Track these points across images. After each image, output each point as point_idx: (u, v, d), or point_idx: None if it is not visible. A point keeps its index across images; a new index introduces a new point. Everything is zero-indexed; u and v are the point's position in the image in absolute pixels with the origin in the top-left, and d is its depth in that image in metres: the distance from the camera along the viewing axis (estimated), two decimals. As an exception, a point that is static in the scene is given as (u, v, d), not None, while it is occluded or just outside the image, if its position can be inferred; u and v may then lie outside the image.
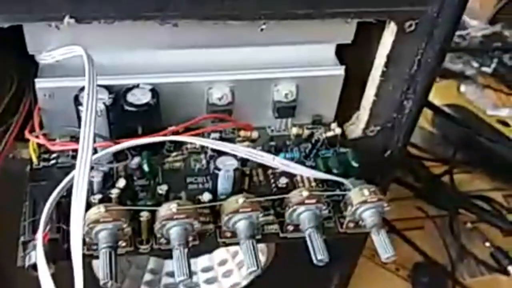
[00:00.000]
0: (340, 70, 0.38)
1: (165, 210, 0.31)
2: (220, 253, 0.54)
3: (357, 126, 0.41)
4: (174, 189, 0.34)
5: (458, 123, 0.72)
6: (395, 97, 0.38)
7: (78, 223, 0.27)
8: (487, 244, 0.69)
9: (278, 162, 0.33)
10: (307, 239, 0.32)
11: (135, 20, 0.30)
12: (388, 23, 0.35)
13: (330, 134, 0.39)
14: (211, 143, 0.33)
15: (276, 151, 0.38)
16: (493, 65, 0.95)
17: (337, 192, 0.35)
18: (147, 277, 0.52)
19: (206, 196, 0.33)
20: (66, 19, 0.29)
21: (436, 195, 0.74)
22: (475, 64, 0.97)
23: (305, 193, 0.32)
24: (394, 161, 0.43)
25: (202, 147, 0.37)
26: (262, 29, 0.33)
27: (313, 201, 0.33)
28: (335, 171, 0.36)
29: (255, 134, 0.39)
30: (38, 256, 0.27)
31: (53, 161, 0.34)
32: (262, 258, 0.49)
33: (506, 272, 0.67)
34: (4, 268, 0.41)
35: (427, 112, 0.83)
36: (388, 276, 0.66)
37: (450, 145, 0.79)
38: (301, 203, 0.32)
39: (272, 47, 0.38)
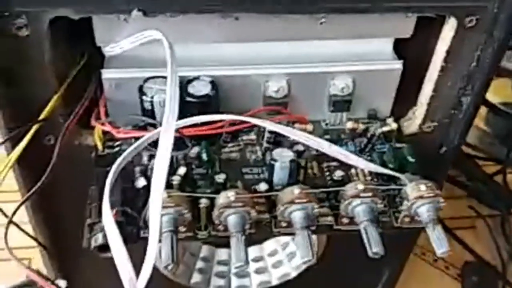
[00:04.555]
0: (398, 65, 0.38)
1: (223, 198, 0.32)
2: (271, 244, 0.55)
3: (413, 122, 0.41)
4: (230, 179, 0.35)
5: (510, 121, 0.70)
6: (453, 93, 0.38)
7: (156, 205, 0.28)
8: (540, 246, 0.68)
9: (334, 150, 0.33)
10: (362, 232, 0.32)
11: (199, 13, 0.31)
12: (448, 18, 0.35)
13: (386, 129, 0.39)
14: (270, 125, 0.34)
15: (332, 145, 0.39)
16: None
17: (393, 186, 0.35)
18: (199, 264, 0.53)
19: (263, 186, 0.33)
20: (134, 12, 0.30)
21: (489, 195, 0.73)
22: (532, 63, 0.94)
23: (361, 186, 0.33)
24: (449, 158, 0.43)
25: (258, 139, 0.38)
26: (321, 23, 0.33)
27: (369, 194, 0.33)
28: (390, 165, 0.36)
29: (309, 127, 0.39)
30: (110, 235, 0.28)
31: (117, 149, 0.36)
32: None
33: (559, 275, 0.65)
34: (71, 251, 0.43)
35: (481, 111, 0.82)
36: (438, 274, 0.66)
37: (504, 144, 0.77)
38: (357, 196, 0.33)
39: (332, 41, 0.38)
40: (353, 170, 0.37)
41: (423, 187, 0.33)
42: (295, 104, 0.39)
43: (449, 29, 0.35)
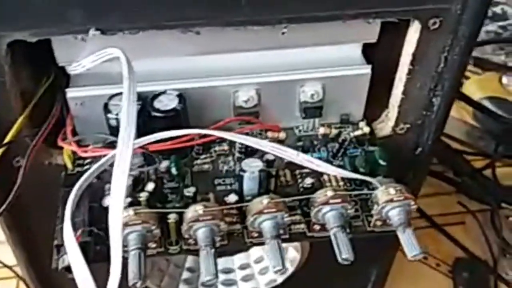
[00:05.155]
0: (367, 69, 0.38)
1: (191, 212, 0.32)
2: (256, 250, 0.55)
3: (386, 124, 0.41)
4: (202, 191, 0.35)
5: (494, 117, 0.70)
6: (423, 94, 0.38)
7: (116, 225, 0.28)
8: (531, 239, 0.68)
9: (302, 158, 0.33)
10: (332, 238, 0.32)
11: (158, 30, 0.31)
12: (412, 22, 0.34)
13: (358, 133, 0.39)
14: (232, 136, 0.34)
15: (304, 151, 0.38)
16: (537, 55, 0.93)
17: (363, 191, 0.35)
18: (185, 275, 0.53)
19: (232, 198, 0.33)
20: (92, 31, 0.30)
21: (478, 190, 0.73)
22: (518, 55, 0.94)
23: (330, 193, 0.33)
24: (426, 158, 0.43)
25: (230, 149, 0.38)
26: (283, 33, 0.33)
27: (338, 200, 0.33)
28: (362, 170, 0.36)
29: (282, 135, 0.39)
30: (72, 257, 0.28)
31: (87, 167, 0.36)
32: (297, 255, 0.50)
33: (551, 267, 0.65)
34: (46, 272, 0.43)
35: (468, 106, 0.81)
36: (429, 272, 0.66)
37: (492, 138, 0.77)
38: (326, 202, 0.33)
39: (298, 49, 0.38)
40: (325, 176, 0.37)
41: (392, 191, 0.33)
42: (267, 113, 0.39)
43: (413, 32, 0.35)
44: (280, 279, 0.52)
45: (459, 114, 0.83)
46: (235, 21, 0.32)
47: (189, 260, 0.53)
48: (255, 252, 0.55)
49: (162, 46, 0.34)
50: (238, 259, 0.55)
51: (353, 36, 0.37)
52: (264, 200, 0.32)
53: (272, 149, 0.33)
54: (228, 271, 0.54)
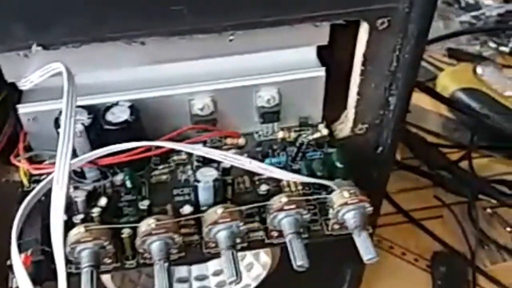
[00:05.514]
0: (321, 72, 0.38)
1: (144, 226, 0.31)
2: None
3: (345, 125, 0.41)
4: (160, 202, 0.35)
5: (464, 111, 0.70)
6: (378, 94, 0.38)
7: (58, 245, 0.28)
8: (508, 229, 0.68)
9: (254, 165, 0.33)
10: (288, 245, 0.32)
11: (102, 42, 0.31)
12: (361, 22, 0.34)
13: (316, 135, 0.39)
14: (180, 146, 0.33)
15: (263, 156, 0.38)
16: (510, 44, 0.93)
17: (321, 195, 0.35)
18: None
19: (187, 209, 0.33)
20: (34, 47, 0.30)
21: (455, 182, 0.73)
22: (493, 44, 0.94)
23: (285, 199, 0.33)
24: (387, 156, 0.42)
25: (189, 158, 0.38)
26: (231, 40, 0.33)
27: (293, 206, 0.33)
28: (319, 173, 0.36)
29: (241, 141, 0.39)
30: (19, 278, 0.28)
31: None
32: (268, 260, 0.50)
33: (529, 257, 0.65)
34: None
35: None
36: (407, 267, 0.66)
37: (467, 129, 0.77)
38: (281, 209, 0.33)
39: (252, 54, 0.38)
40: (284, 181, 0.37)
41: (346, 194, 0.33)
42: (225, 119, 0.39)
43: (363, 33, 0.35)
44: (253, 283, 0.52)
45: (434, 107, 0.83)
46: (179, 30, 0.31)
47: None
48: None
49: (109, 57, 0.34)
50: (211, 265, 0.54)
51: (303, 40, 0.36)
52: (218, 210, 0.32)
53: (222, 157, 0.33)
54: (202, 278, 0.54)
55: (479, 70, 0.88)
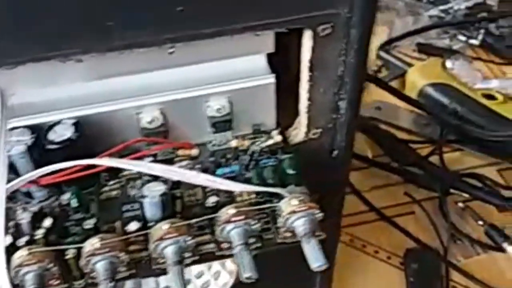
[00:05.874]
0: (271, 79, 0.38)
1: (89, 246, 0.31)
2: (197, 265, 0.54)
3: (300, 131, 0.41)
4: (110, 219, 0.34)
5: (425, 110, 0.71)
6: (328, 99, 0.38)
7: (1, 269, 0.28)
8: (480, 222, 0.68)
9: (203, 179, 0.33)
10: (236, 256, 0.32)
11: (36, 62, 0.30)
12: (304, 29, 0.34)
13: (269, 142, 0.39)
14: (118, 163, 0.33)
15: (216, 166, 0.38)
16: (480, 37, 0.93)
17: (271, 203, 0.34)
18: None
19: (133, 226, 0.33)
20: (-35, 70, 0.29)
21: (426, 178, 0.73)
22: (462, 38, 0.95)
23: (232, 211, 0.32)
24: (344, 159, 0.42)
25: (140, 172, 0.37)
26: (170, 53, 0.33)
27: (241, 217, 0.32)
28: (269, 181, 0.36)
29: (194, 152, 0.39)
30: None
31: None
32: (234, 267, 0.50)
33: (501, 249, 0.65)
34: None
35: (412, 94, 0.82)
36: (380, 265, 0.66)
37: (437, 124, 0.77)
38: (229, 221, 0.32)
39: (203, 64, 0.37)
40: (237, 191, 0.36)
41: (295, 202, 0.33)
42: (177, 131, 0.39)
43: (307, 39, 0.34)
44: (224, 290, 0.52)
45: (405, 103, 0.83)
46: (116, 46, 0.31)
47: (128, 282, 0.53)
48: (195, 266, 0.54)
49: (48, 75, 0.33)
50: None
51: (247, 49, 0.36)
52: (164, 225, 0.32)
53: (167, 173, 0.32)
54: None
55: (448, 64, 0.88)
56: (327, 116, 0.39)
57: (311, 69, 0.36)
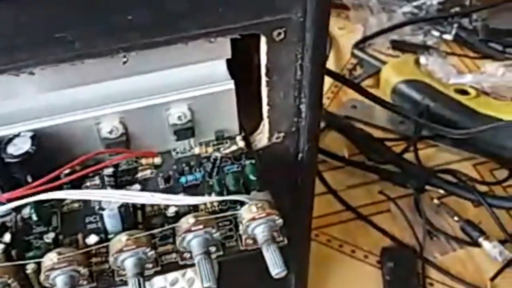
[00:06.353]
0: (230, 84, 0.38)
1: (48, 260, 0.31)
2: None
3: (263, 135, 0.40)
4: (72, 232, 0.34)
5: (394, 110, 0.71)
6: (289, 103, 0.38)
7: None
8: (456, 218, 0.68)
9: (158, 198, 0.33)
10: (197, 266, 0.32)
11: (-14, 77, 0.30)
12: (260, 35, 0.34)
13: (233, 148, 0.39)
14: (67, 195, 0.33)
15: (180, 174, 0.38)
16: (453, 31, 0.94)
17: (230, 212, 0.34)
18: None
19: (92, 238, 0.32)
20: None
21: (401, 175, 0.73)
22: (436, 33, 0.95)
23: (191, 220, 0.32)
24: (309, 162, 0.42)
25: (102, 182, 0.37)
26: (124, 62, 0.33)
27: (201, 226, 0.32)
28: (232, 188, 0.36)
29: (157, 160, 0.39)
30: None
31: None
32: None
33: (477, 245, 0.66)
34: None
35: (386, 92, 0.82)
36: (357, 264, 0.66)
37: (411, 122, 0.78)
38: (188, 230, 0.32)
39: (162, 72, 0.37)
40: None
41: (254, 209, 0.33)
42: (140, 140, 0.38)
43: (263, 44, 0.34)
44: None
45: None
46: (66, 57, 0.31)
47: None
48: (170, 274, 0.54)
49: (3, 89, 0.33)
50: (157, 281, 0.54)
51: (204, 55, 0.36)
52: (123, 237, 0.31)
53: (123, 197, 0.32)
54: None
55: (422, 60, 0.88)
56: (289, 120, 0.39)
57: (268, 74, 0.36)
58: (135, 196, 0.32)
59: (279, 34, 0.33)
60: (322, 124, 0.82)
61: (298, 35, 0.34)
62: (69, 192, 0.32)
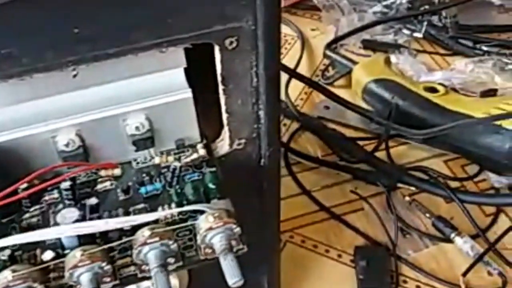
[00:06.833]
0: (187, 93, 0.38)
1: (2, 278, 0.30)
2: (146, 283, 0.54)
3: (225, 142, 0.40)
4: (31, 248, 0.34)
5: (359, 112, 0.71)
6: (247, 110, 0.38)
7: None
8: (427, 215, 0.69)
9: (113, 223, 0.32)
10: (152, 279, 0.32)
11: None
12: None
13: (193, 156, 0.39)
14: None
15: (139, 185, 0.38)
16: (423, 29, 0.94)
17: (189, 222, 0.34)
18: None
19: (48, 254, 0.32)
20: None
21: (374, 174, 0.74)
22: (407, 31, 0.96)
23: (147, 233, 0.32)
24: (272, 167, 0.42)
25: (61, 196, 0.37)
26: (75, 75, 0.32)
27: (156, 239, 0.32)
28: (191, 197, 0.36)
29: (117, 172, 0.38)
30: None
31: None
32: (176, 282, 0.49)
33: (450, 241, 0.66)
34: None
35: (358, 92, 0.82)
36: (331, 264, 0.66)
37: (382, 120, 0.78)
38: (144, 243, 0.32)
39: (118, 83, 0.37)
40: (160, 208, 0.36)
41: (211, 218, 0.33)
42: (99, 151, 0.38)
43: (217, 53, 0.34)
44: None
45: (352, 100, 0.83)
46: (15, 72, 0.30)
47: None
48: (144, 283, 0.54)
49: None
50: None
51: (158, 65, 0.36)
52: (77, 253, 0.31)
53: (77, 230, 0.32)
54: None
55: (393, 58, 0.89)
56: (249, 126, 0.39)
57: (224, 82, 0.36)
58: (88, 226, 0.32)
59: (231, 42, 0.33)
60: (296, 126, 0.82)
61: (251, 43, 0.34)
62: (16, 237, 0.32)
